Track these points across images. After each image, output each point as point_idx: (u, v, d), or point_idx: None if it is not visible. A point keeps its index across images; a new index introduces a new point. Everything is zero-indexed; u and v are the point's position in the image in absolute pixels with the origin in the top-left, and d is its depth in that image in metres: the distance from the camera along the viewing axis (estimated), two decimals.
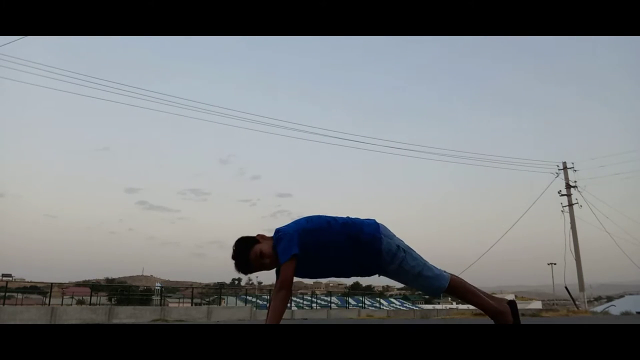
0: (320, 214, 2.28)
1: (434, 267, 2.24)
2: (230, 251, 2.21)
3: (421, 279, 2.17)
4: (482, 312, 2.26)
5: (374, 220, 2.27)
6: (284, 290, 2.02)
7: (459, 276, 2.27)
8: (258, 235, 2.23)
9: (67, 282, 28.42)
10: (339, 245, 2.15)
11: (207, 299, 29.32)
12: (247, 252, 2.15)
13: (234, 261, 2.21)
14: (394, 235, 2.24)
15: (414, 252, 2.23)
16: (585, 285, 22.43)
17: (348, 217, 2.27)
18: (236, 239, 2.24)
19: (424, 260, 2.23)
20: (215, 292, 30.50)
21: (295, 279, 2.16)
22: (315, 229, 2.16)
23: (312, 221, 2.20)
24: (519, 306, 2.38)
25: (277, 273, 2.13)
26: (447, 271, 2.26)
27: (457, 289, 2.22)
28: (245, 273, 2.25)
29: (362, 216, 2.31)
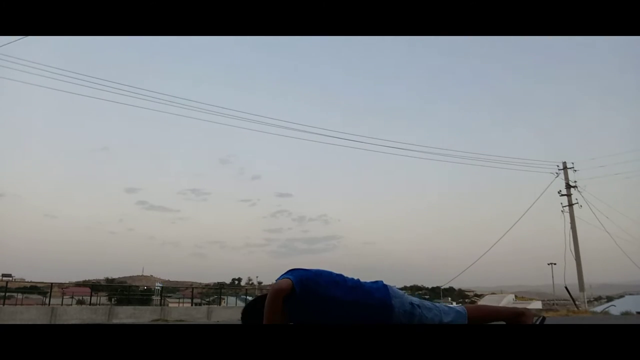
0: (332, 272, 2.22)
1: (448, 307, 2.24)
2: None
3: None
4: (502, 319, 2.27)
5: (381, 282, 2.22)
6: (270, 292, 2.01)
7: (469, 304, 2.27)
8: (258, 296, 2.27)
9: (67, 282, 28.40)
10: (343, 305, 2.09)
11: (207, 299, 29.31)
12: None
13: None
14: (404, 294, 2.21)
15: (427, 302, 2.23)
16: (585, 285, 22.40)
17: (357, 280, 2.22)
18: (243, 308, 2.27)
19: (438, 306, 2.22)
20: (215, 292, 30.51)
21: None
22: (322, 282, 2.11)
23: (320, 273, 2.16)
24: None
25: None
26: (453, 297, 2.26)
27: (476, 317, 2.22)
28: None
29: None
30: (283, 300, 1.99)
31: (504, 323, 2.23)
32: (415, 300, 2.20)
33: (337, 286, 2.12)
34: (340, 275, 2.20)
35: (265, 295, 2.18)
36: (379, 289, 2.17)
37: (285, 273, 2.12)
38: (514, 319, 2.20)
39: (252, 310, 2.21)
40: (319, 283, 2.09)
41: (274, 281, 2.19)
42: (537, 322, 2.19)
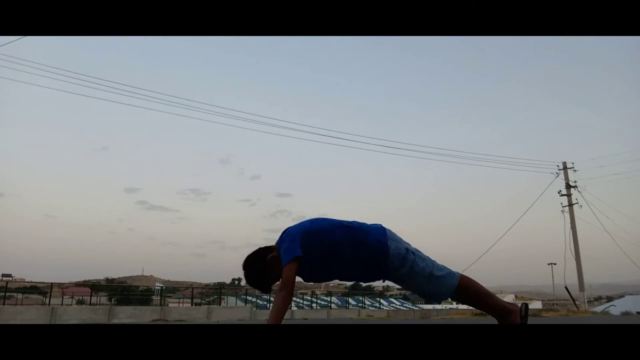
0: (326, 217, 2.26)
1: (442, 265, 2.24)
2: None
3: (433, 280, 2.16)
4: (485, 312, 2.26)
5: (380, 225, 2.25)
6: (285, 290, 2.01)
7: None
8: (259, 248, 2.24)
9: (67, 282, 28.40)
10: (343, 248, 2.14)
11: (207, 299, 29.33)
12: (263, 269, 2.16)
13: (250, 283, 2.23)
14: (401, 239, 2.23)
15: (422, 253, 2.23)
16: (585, 285, 22.42)
17: (354, 222, 2.26)
18: (244, 259, 2.21)
19: (432, 260, 2.23)
20: (215, 292, 30.52)
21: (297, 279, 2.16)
22: (319, 231, 2.15)
23: (316, 223, 2.20)
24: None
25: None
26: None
27: (468, 288, 2.20)
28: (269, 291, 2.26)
29: (365, 217, 2.31)
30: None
31: (495, 321, 2.23)
32: (411, 247, 2.22)
33: (334, 229, 2.18)
34: (337, 220, 2.25)
35: (265, 248, 2.21)
36: (377, 229, 2.22)
37: (286, 242, 2.12)
38: (503, 314, 2.19)
39: (257, 264, 2.20)
40: (317, 233, 2.14)
41: (274, 243, 2.21)
42: (522, 311, 2.19)
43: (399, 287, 2.43)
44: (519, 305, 2.23)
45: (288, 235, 2.14)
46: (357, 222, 2.26)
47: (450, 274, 2.19)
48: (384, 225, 2.27)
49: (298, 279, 2.16)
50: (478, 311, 2.64)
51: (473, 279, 2.24)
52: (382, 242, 2.15)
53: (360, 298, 33.38)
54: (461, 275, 2.21)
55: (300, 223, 2.21)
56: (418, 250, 2.23)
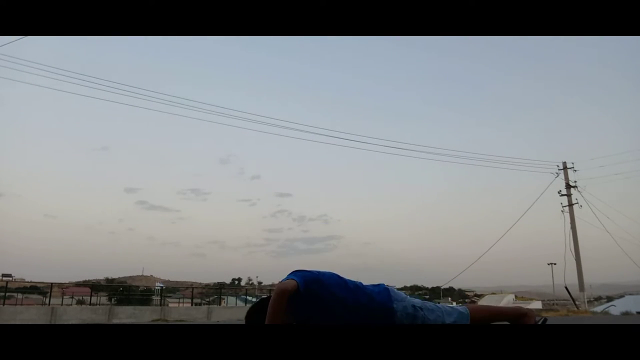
0: (333, 272, 2.24)
1: (450, 307, 2.25)
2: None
3: None
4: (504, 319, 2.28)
5: (383, 286, 2.24)
6: (275, 292, 2.01)
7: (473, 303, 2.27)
8: (261, 299, 2.26)
9: (67, 282, 28.37)
10: (346, 307, 2.11)
11: (207, 299, 29.33)
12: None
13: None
14: (406, 297, 2.23)
15: (429, 303, 2.24)
16: (585, 285, 22.39)
17: (360, 283, 2.24)
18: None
19: (440, 307, 2.23)
20: (215, 292, 30.52)
21: None
22: (326, 283, 2.13)
23: (325, 275, 2.18)
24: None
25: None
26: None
27: (478, 317, 2.22)
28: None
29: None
30: (287, 300, 2.00)
31: (506, 323, 2.24)
32: (417, 302, 2.21)
33: (339, 287, 2.15)
34: (342, 278, 2.22)
35: (268, 298, 2.19)
36: (381, 292, 2.18)
37: (290, 274, 2.13)
38: (517, 319, 2.21)
39: (258, 311, 2.21)
40: (323, 283, 2.12)
41: (278, 282, 2.20)
42: (540, 323, 2.19)
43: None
44: (537, 314, 2.24)
45: (295, 271, 2.15)
46: (361, 284, 2.23)
47: (460, 315, 2.20)
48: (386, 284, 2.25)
49: None
50: None
51: (481, 305, 2.26)
52: (387, 306, 2.13)
53: None
54: (469, 309, 2.23)
55: (310, 270, 2.20)
56: (424, 302, 2.23)
